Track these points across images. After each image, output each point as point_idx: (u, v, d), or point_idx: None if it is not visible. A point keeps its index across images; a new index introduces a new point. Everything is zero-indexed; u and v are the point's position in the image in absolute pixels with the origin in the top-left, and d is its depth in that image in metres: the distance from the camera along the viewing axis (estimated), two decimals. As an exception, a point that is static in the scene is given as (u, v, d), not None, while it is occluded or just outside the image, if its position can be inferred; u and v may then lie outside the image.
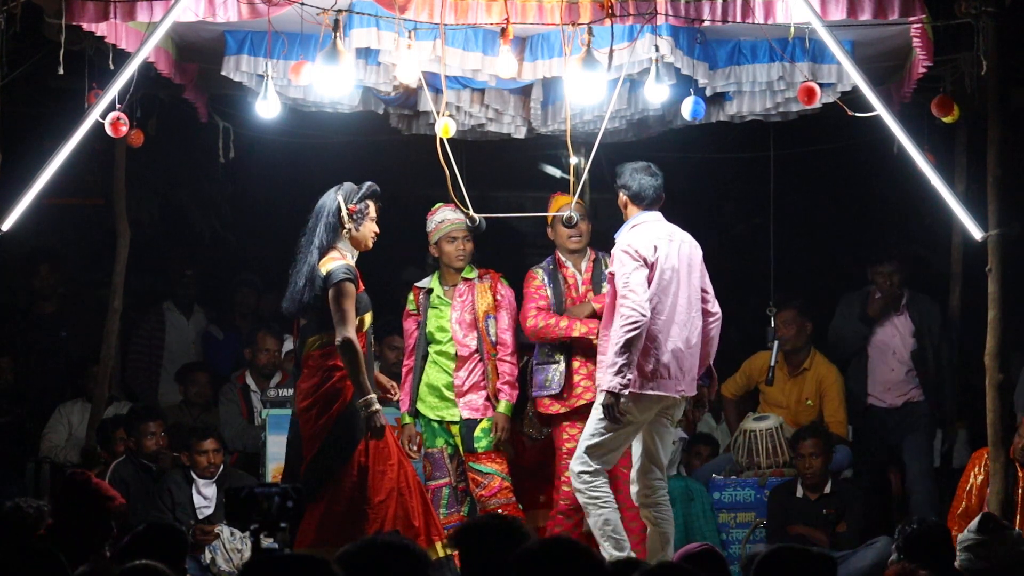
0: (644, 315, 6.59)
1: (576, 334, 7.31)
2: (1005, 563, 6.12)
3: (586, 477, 6.77)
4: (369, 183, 6.88)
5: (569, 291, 7.48)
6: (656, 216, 6.93)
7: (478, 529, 4.67)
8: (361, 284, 6.77)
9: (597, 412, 6.75)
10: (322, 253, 6.72)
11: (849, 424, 8.59)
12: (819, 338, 8.80)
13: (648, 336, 6.66)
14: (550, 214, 7.55)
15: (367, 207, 6.82)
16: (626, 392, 6.59)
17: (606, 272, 6.98)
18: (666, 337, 6.72)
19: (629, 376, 6.57)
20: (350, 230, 6.77)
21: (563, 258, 7.58)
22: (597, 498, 6.77)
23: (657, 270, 6.74)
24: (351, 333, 6.56)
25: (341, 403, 6.67)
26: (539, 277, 7.54)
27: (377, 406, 6.55)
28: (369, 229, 6.84)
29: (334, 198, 6.80)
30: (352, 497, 6.62)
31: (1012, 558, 6.16)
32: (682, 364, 6.76)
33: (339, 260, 6.69)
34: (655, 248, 6.75)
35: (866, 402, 8.50)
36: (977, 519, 6.25)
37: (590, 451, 6.77)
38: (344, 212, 6.76)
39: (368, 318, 6.82)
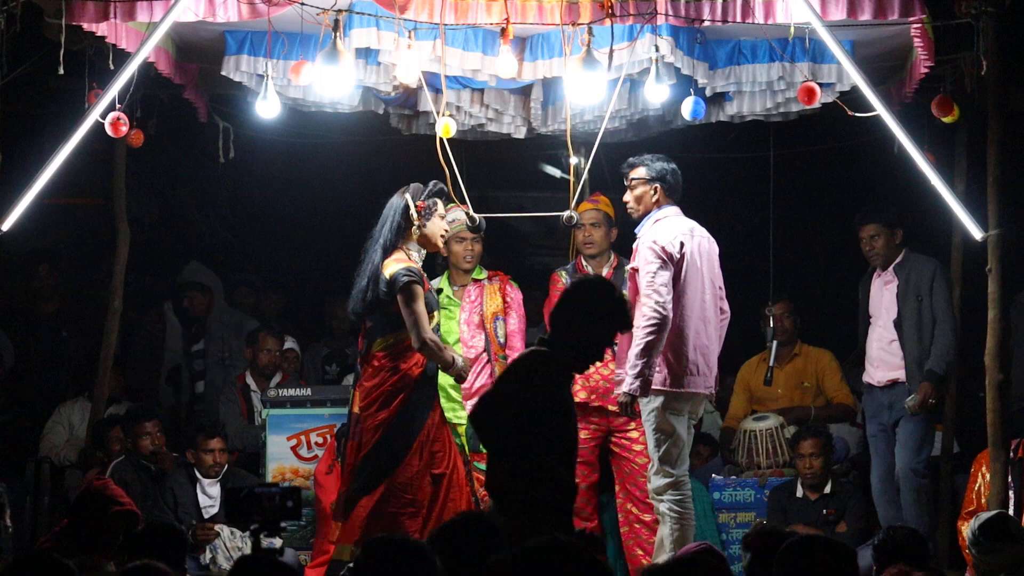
0: (666, 316, 6.56)
1: None
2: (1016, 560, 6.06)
3: (672, 491, 6.74)
4: (435, 181, 6.93)
5: None
6: (677, 210, 6.91)
7: (449, 529, 4.79)
8: (427, 283, 6.83)
9: (649, 425, 6.75)
10: (386, 253, 6.78)
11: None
12: (813, 334, 8.80)
13: (677, 334, 6.65)
14: (549, 214, 7.53)
15: (435, 204, 6.88)
16: (639, 395, 6.57)
17: (627, 269, 6.95)
18: (693, 334, 6.72)
19: (649, 378, 6.56)
20: (419, 227, 6.80)
21: (584, 263, 7.56)
22: (681, 513, 6.74)
23: (683, 266, 6.71)
24: (427, 334, 6.65)
25: (401, 401, 6.76)
26: (563, 279, 7.56)
27: (460, 362, 6.83)
28: (438, 226, 6.91)
29: (401, 199, 6.85)
30: (405, 496, 6.69)
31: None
32: (708, 360, 6.78)
33: (402, 262, 6.74)
34: (681, 244, 6.72)
35: (863, 381, 7.96)
36: (986, 517, 6.14)
37: (664, 461, 6.74)
38: (412, 210, 6.79)
39: (436, 316, 6.89)
